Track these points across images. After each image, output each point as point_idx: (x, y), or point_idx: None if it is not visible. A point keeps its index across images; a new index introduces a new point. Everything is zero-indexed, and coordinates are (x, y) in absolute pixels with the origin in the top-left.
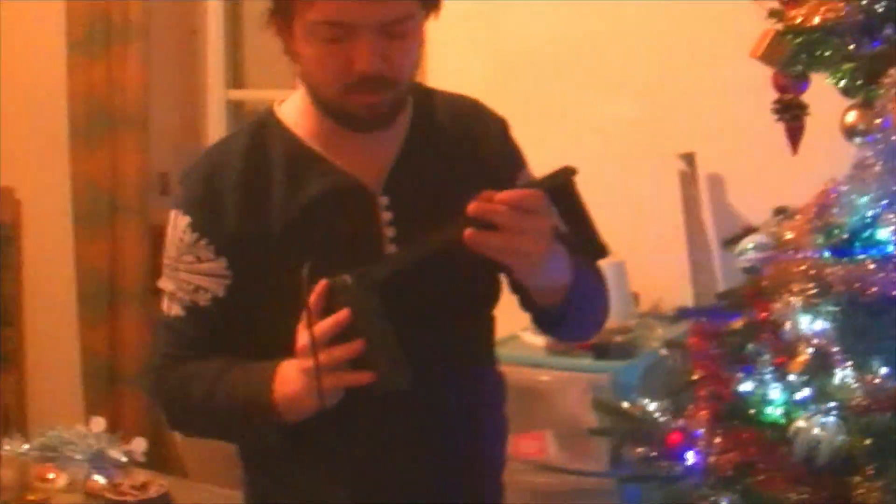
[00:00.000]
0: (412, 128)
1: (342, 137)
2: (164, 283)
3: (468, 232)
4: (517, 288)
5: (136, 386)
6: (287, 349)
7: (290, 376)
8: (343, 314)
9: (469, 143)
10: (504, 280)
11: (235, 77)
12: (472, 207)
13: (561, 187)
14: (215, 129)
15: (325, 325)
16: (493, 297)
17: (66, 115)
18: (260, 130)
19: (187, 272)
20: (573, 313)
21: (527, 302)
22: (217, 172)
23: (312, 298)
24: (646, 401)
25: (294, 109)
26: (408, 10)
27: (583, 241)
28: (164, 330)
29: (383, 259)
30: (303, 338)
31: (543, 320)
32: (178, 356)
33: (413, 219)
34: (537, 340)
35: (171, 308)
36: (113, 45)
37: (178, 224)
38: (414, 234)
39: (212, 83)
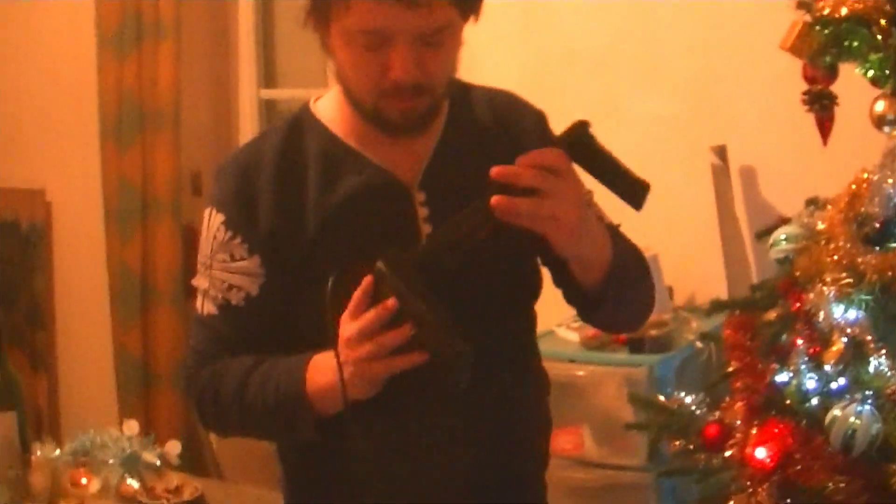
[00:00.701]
0: (449, 123)
1: (378, 133)
2: (199, 281)
3: (495, 198)
4: (560, 278)
5: (170, 387)
6: (321, 347)
7: (327, 366)
8: (387, 304)
9: (507, 136)
10: (547, 274)
11: (267, 76)
12: (496, 171)
13: (579, 141)
14: (247, 128)
15: (370, 315)
16: (534, 291)
17: (96, 115)
18: (295, 127)
19: (221, 270)
20: (615, 294)
21: (570, 288)
22: (251, 169)
23: (360, 294)
24: (682, 394)
25: (330, 106)
26: (446, 20)
27: (621, 188)
28: (199, 328)
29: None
30: (346, 329)
31: (586, 305)
32: (212, 354)
33: (450, 214)
34: (572, 336)
35: (204, 306)
36: (144, 43)
37: (212, 222)
38: None
39: (244, 82)
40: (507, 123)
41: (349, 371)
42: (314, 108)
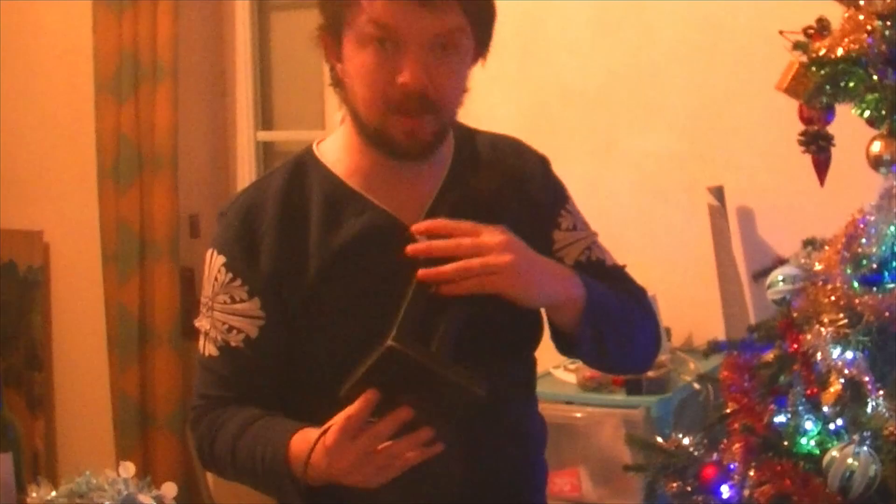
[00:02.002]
0: (453, 166)
1: (382, 175)
2: (201, 322)
3: (420, 272)
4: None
5: (167, 429)
6: (322, 389)
7: (327, 449)
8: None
9: (511, 182)
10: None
11: (264, 118)
12: (411, 249)
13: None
14: (244, 170)
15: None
16: (533, 338)
17: (94, 157)
18: (298, 169)
19: (221, 312)
20: (595, 334)
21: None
22: (254, 212)
23: (357, 411)
24: (680, 435)
25: (334, 147)
26: (458, 24)
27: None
28: (201, 370)
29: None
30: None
31: (564, 343)
32: (213, 396)
33: (450, 259)
34: (570, 377)
35: (206, 348)
36: (141, 86)
37: (213, 263)
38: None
39: (241, 124)
40: (511, 169)
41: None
42: (317, 150)
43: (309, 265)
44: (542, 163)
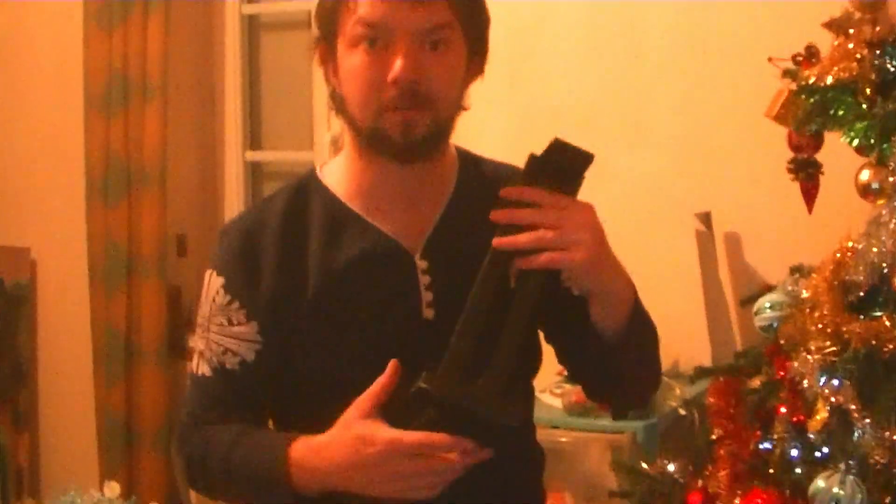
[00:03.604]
0: (456, 192)
1: (383, 198)
2: (195, 342)
3: (496, 239)
4: (568, 344)
5: (152, 448)
6: (315, 408)
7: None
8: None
9: None
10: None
11: (253, 138)
12: (494, 215)
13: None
14: (233, 189)
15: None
16: (535, 366)
17: (82, 174)
18: (300, 191)
19: (217, 333)
20: (638, 341)
21: (581, 351)
22: (255, 233)
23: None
24: (665, 461)
25: (336, 171)
26: (446, 19)
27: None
28: (193, 388)
29: (444, 359)
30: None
31: (605, 355)
32: (203, 416)
33: (451, 285)
34: (556, 402)
35: (199, 367)
36: (131, 103)
37: (212, 284)
38: (451, 301)
39: (230, 144)
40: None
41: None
42: (320, 173)
43: (308, 286)
44: None
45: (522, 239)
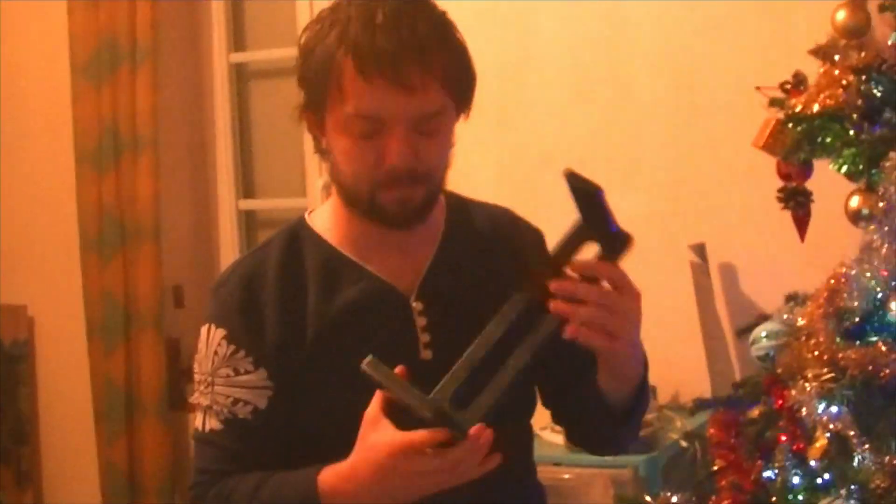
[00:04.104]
0: (447, 234)
1: (375, 243)
2: (198, 399)
3: (554, 304)
4: (556, 398)
5: (155, 501)
6: (325, 455)
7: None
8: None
9: (505, 249)
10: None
11: (246, 186)
12: (555, 286)
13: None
14: (227, 238)
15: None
16: (531, 406)
17: (76, 229)
18: (293, 239)
19: (224, 385)
20: (628, 411)
21: (568, 409)
22: (255, 282)
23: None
24: (668, 493)
25: (326, 217)
26: (440, 105)
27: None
28: (202, 446)
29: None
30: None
31: (609, 421)
32: (217, 470)
33: (447, 325)
34: (557, 438)
35: (207, 423)
36: (122, 157)
37: (212, 337)
38: (448, 341)
39: (222, 193)
40: (506, 238)
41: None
42: (309, 220)
43: (307, 333)
44: (538, 236)
45: (583, 312)
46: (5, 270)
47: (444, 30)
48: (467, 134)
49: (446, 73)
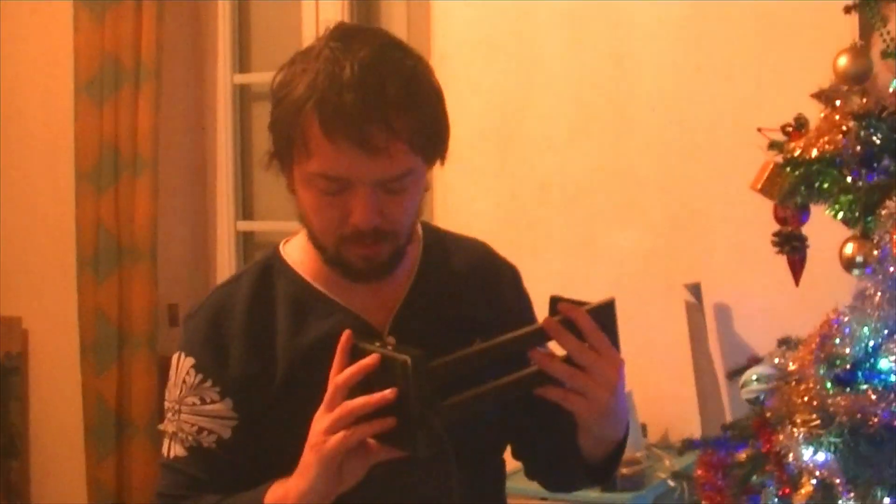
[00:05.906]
0: (422, 268)
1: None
2: (166, 426)
3: (534, 352)
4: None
5: None
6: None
7: (299, 470)
8: (385, 393)
9: (481, 287)
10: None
11: (244, 208)
12: (547, 323)
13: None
14: (224, 259)
15: (361, 401)
16: (504, 441)
17: (73, 245)
18: (265, 272)
19: (190, 413)
20: (601, 467)
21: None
22: (222, 315)
23: (353, 371)
24: None
25: (299, 249)
26: (407, 167)
27: None
28: (165, 472)
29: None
30: (320, 422)
31: (587, 477)
32: (177, 496)
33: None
34: None
35: (172, 449)
36: (121, 176)
37: (182, 365)
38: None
39: (221, 214)
40: (481, 274)
41: (324, 465)
42: (283, 251)
43: (277, 368)
44: (515, 273)
45: (558, 368)
46: (2, 282)
47: (414, 86)
48: (468, 166)
49: (413, 134)
